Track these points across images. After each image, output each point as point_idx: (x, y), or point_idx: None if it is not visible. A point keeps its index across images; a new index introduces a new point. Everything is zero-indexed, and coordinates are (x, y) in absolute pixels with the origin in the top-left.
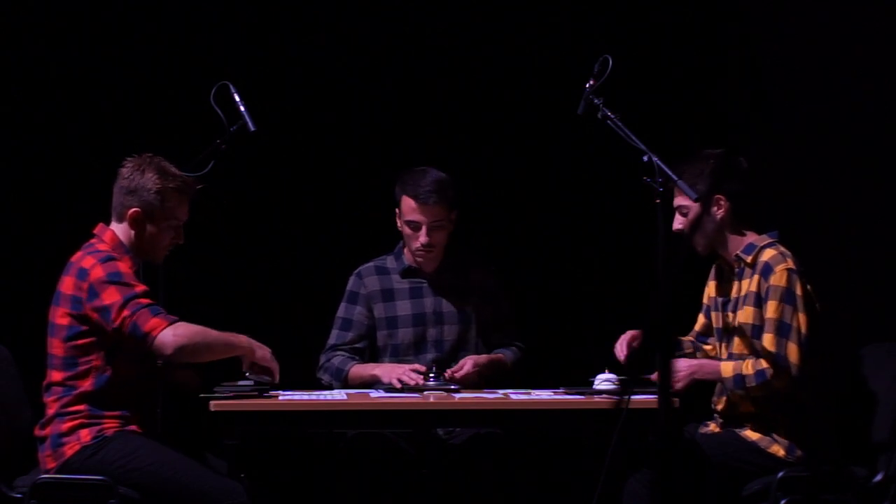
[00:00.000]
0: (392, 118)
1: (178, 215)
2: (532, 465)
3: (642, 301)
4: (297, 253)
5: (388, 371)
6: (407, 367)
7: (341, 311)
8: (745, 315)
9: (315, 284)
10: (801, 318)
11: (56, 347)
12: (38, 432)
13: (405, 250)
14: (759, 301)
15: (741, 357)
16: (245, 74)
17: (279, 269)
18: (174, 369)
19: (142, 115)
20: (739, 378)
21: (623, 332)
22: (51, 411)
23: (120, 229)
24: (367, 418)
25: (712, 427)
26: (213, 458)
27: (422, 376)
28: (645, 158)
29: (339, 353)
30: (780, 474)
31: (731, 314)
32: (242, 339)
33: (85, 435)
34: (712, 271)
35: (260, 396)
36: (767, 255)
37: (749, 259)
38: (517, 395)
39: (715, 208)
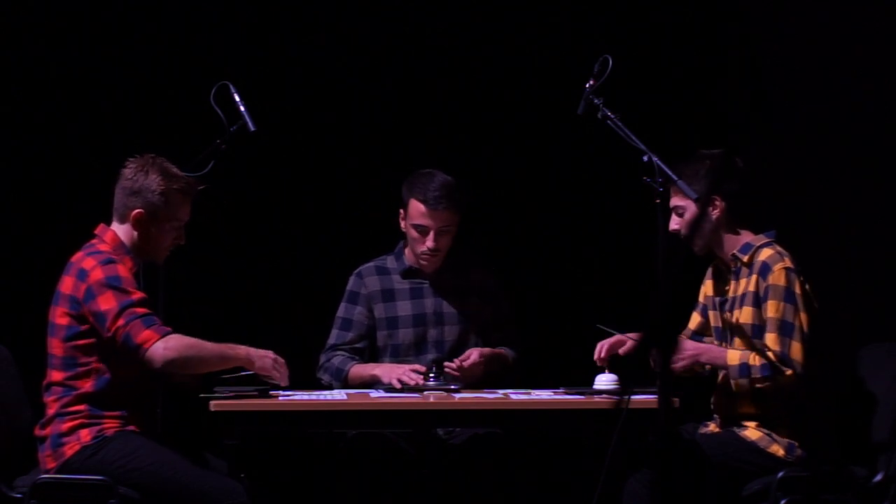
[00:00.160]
0: (392, 118)
1: (181, 216)
2: (532, 465)
3: (642, 301)
4: (297, 253)
5: (388, 371)
6: (407, 367)
7: (341, 310)
8: (744, 315)
9: (315, 284)
10: (803, 316)
11: (56, 347)
12: (38, 432)
13: (406, 251)
14: (758, 301)
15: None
16: (245, 74)
17: (279, 269)
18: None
19: (142, 115)
20: (745, 367)
21: (623, 332)
22: (51, 411)
23: (122, 230)
24: (367, 418)
25: (712, 427)
26: (213, 458)
27: (422, 376)
28: (645, 158)
29: (339, 352)
30: (780, 474)
31: (728, 313)
32: (240, 351)
33: (85, 435)
34: (709, 270)
35: (260, 397)
36: (765, 254)
37: (746, 258)
38: (517, 395)
39: (710, 208)
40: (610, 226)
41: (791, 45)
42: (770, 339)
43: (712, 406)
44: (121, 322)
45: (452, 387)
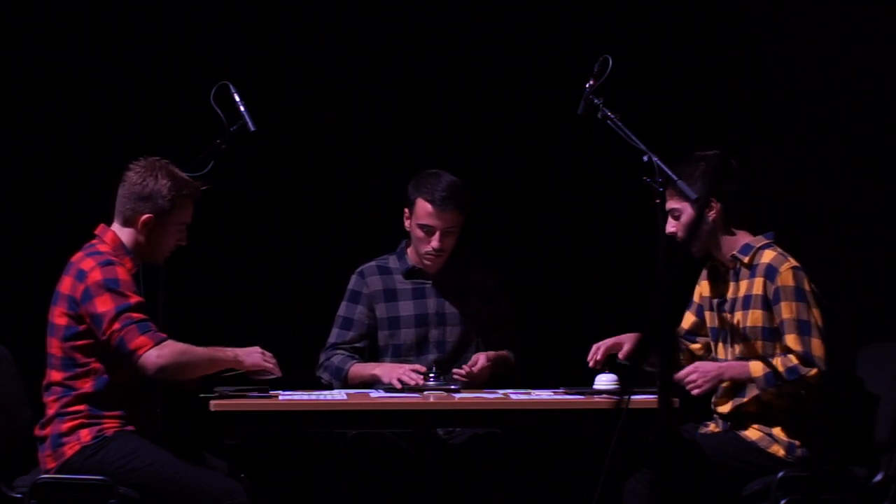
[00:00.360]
0: (392, 118)
1: (186, 219)
2: (532, 465)
3: (642, 301)
4: (297, 253)
5: (388, 371)
6: (407, 367)
7: (342, 309)
8: (752, 318)
9: (315, 284)
10: (816, 312)
11: (55, 347)
12: (38, 432)
13: (409, 250)
14: (767, 304)
15: (746, 359)
16: (245, 74)
17: (279, 269)
18: None
19: (142, 115)
20: (772, 376)
21: (623, 332)
22: (51, 411)
23: (124, 231)
24: (367, 418)
25: (712, 427)
26: (213, 458)
27: (422, 376)
28: (645, 158)
29: (339, 351)
30: (780, 474)
31: (728, 314)
32: (228, 353)
33: (85, 435)
34: (704, 271)
35: (261, 395)
36: (768, 256)
37: (746, 260)
38: (517, 395)
39: (707, 210)
40: (610, 226)
41: (791, 45)
42: (790, 340)
43: (712, 406)
44: (116, 326)
45: (452, 387)
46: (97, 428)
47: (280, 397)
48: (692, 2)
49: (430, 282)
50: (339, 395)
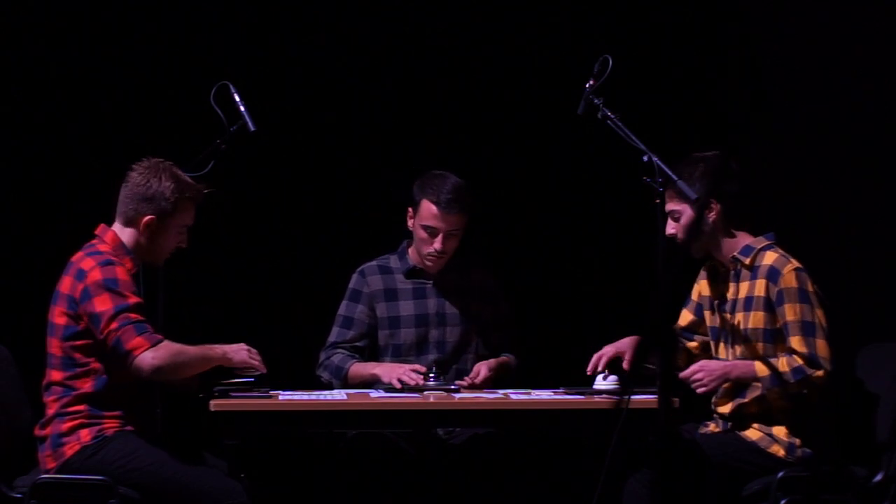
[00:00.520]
0: (392, 118)
1: (187, 221)
2: (532, 465)
3: (642, 301)
4: (297, 253)
5: (388, 371)
6: (407, 366)
7: (343, 308)
8: (754, 320)
9: (315, 284)
10: (819, 313)
11: (54, 347)
12: (38, 432)
13: (410, 250)
14: (770, 305)
15: (747, 360)
16: (245, 74)
17: (279, 268)
18: None
19: (142, 115)
20: (777, 376)
21: (623, 332)
22: (51, 411)
23: (125, 231)
24: (367, 418)
25: (712, 427)
26: (213, 458)
27: (422, 376)
28: (645, 158)
29: (339, 350)
30: (780, 474)
31: (729, 315)
32: (217, 350)
33: (85, 435)
34: (703, 270)
35: (261, 395)
36: (770, 258)
37: (747, 261)
38: (517, 395)
39: (707, 212)
40: (610, 226)
41: (791, 45)
42: (795, 341)
43: (713, 406)
44: (114, 326)
45: (452, 387)
46: (97, 428)
47: (280, 397)
48: (692, 2)
49: (430, 282)
50: (339, 395)
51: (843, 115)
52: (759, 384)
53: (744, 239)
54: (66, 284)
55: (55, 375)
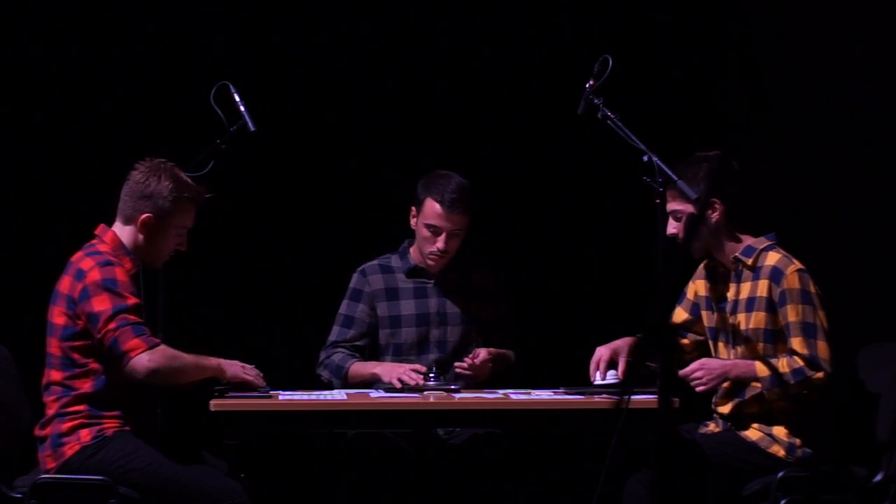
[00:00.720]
0: (392, 118)
1: (186, 223)
2: (532, 465)
3: (642, 301)
4: (297, 252)
5: (388, 370)
6: (407, 366)
7: (343, 307)
8: (755, 320)
9: (315, 284)
10: (821, 314)
11: (54, 347)
12: (37, 432)
13: (411, 249)
14: (772, 306)
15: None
16: (245, 74)
17: (279, 268)
18: None
19: (142, 115)
20: (777, 377)
21: (623, 332)
22: (50, 411)
23: (124, 231)
24: (367, 418)
25: (712, 427)
26: (213, 458)
27: (422, 376)
28: (645, 158)
29: (339, 350)
30: (780, 474)
31: (730, 316)
32: (212, 362)
33: (85, 435)
34: (701, 269)
35: (261, 395)
36: (772, 259)
37: (750, 261)
38: (517, 395)
39: (710, 212)
40: (610, 226)
41: (791, 45)
42: (796, 343)
43: (713, 406)
44: (112, 326)
45: (452, 387)
46: (97, 428)
47: (280, 397)
48: (692, 2)
49: (431, 281)
50: (339, 395)
51: (843, 115)
52: (759, 384)
53: (745, 239)
54: (65, 284)
55: (55, 375)
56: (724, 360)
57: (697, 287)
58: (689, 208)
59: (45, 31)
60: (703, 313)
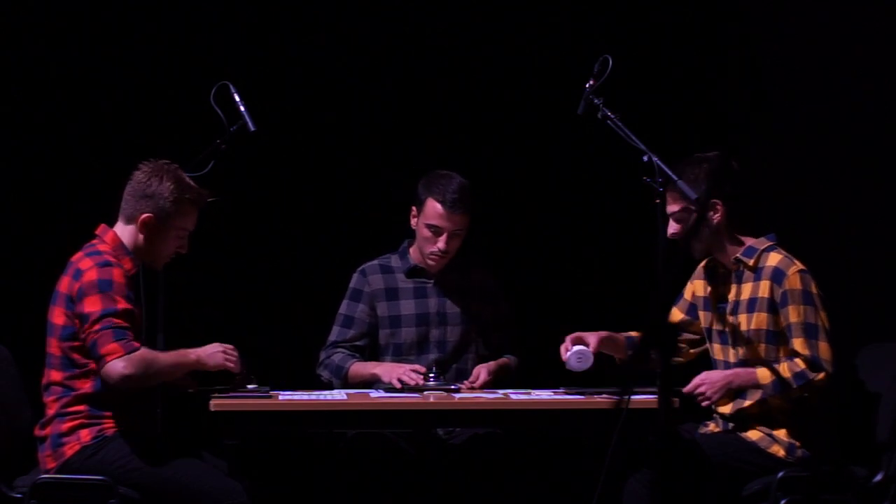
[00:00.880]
0: (392, 118)
1: (187, 225)
2: (532, 465)
3: (642, 301)
4: (297, 252)
5: (388, 370)
6: (407, 366)
7: (343, 307)
8: (757, 321)
9: (315, 284)
10: (823, 315)
11: (54, 347)
12: (37, 432)
13: (411, 249)
14: (773, 307)
15: (749, 362)
16: (245, 74)
17: (279, 268)
18: None
19: (142, 115)
20: (779, 383)
21: (622, 332)
22: (50, 411)
23: (125, 231)
24: (367, 418)
25: (712, 427)
26: (213, 458)
27: (422, 376)
28: (645, 158)
29: (339, 350)
30: (780, 474)
31: (731, 317)
32: (191, 356)
33: (85, 435)
34: (700, 270)
35: (261, 395)
36: (774, 259)
37: (751, 262)
38: (517, 395)
39: (711, 213)
40: (610, 226)
41: (791, 45)
42: (798, 343)
43: (713, 407)
44: (96, 327)
45: (452, 387)
46: (97, 428)
47: (280, 397)
48: (692, 2)
49: (431, 281)
50: (339, 395)
51: (843, 115)
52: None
53: (747, 240)
54: (64, 284)
55: (55, 375)
56: (724, 370)
57: (695, 287)
58: (689, 208)
59: (45, 31)
60: (701, 314)
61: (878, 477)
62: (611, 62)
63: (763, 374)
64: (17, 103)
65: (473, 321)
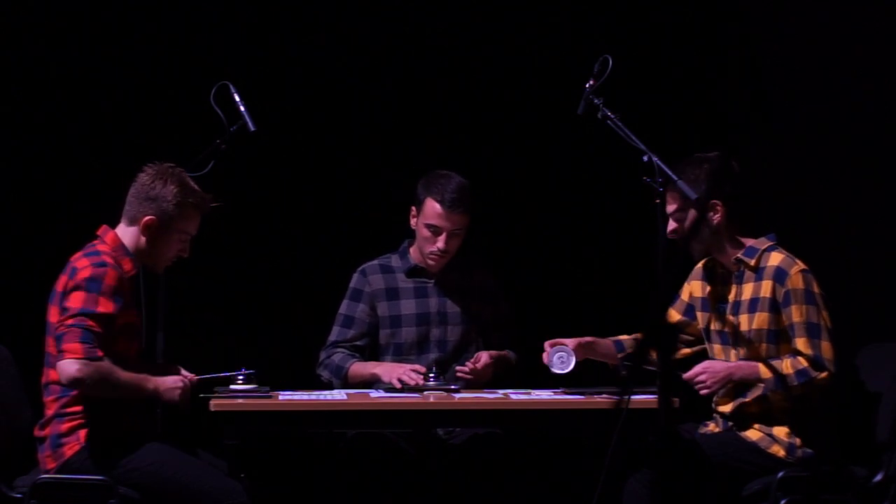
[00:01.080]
0: (392, 118)
1: (190, 229)
2: (532, 465)
3: (642, 301)
4: (297, 252)
5: (388, 370)
6: (407, 366)
7: (343, 307)
8: (758, 321)
9: (315, 284)
10: (825, 315)
11: (51, 346)
12: (37, 433)
13: (411, 249)
14: (775, 306)
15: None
16: (245, 74)
17: (279, 268)
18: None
19: (142, 115)
20: (780, 378)
21: (623, 332)
22: (50, 412)
23: (127, 232)
24: (367, 418)
25: (712, 427)
26: (213, 458)
27: (422, 376)
28: (645, 158)
29: (339, 350)
30: (780, 474)
31: (731, 317)
32: (149, 385)
33: (84, 435)
34: (699, 270)
35: (262, 395)
36: (776, 259)
37: (752, 263)
38: (517, 395)
39: (711, 213)
40: (610, 226)
41: (791, 45)
42: (800, 343)
43: (713, 406)
44: (69, 322)
45: (452, 387)
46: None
47: (280, 397)
48: (692, 2)
49: (432, 281)
50: (339, 395)
51: (843, 115)
52: (762, 385)
53: (747, 241)
54: (61, 283)
55: (53, 375)
56: (727, 362)
57: (693, 288)
58: (690, 210)
59: (45, 31)
60: (699, 314)
61: (878, 477)
62: (611, 62)
63: (765, 369)
64: (17, 103)
65: (474, 321)
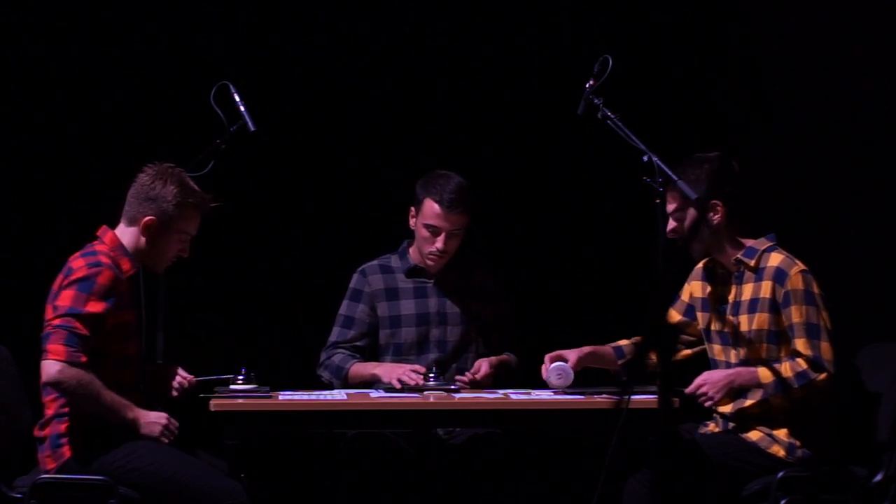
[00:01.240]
0: (392, 118)
1: (189, 229)
2: (532, 465)
3: (642, 301)
4: (297, 252)
5: (388, 371)
6: (407, 367)
7: (343, 308)
8: (758, 321)
9: (315, 284)
10: (825, 315)
11: None
12: (37, 433)
13: (411, 249)
14: (775, 307)
15: (750, 362)
16: (245, 74)
17: (279, 268)
18: (166, 374)
19: (142, 115)
20: (780, 382)
21: (623, 332)
22: (49, 412)
23: (127, 232)
24: (367, 418)
25: (712, 427)
26: (213, 458)
27: (422, 376)
28: (645, 158)
29: (339, 350)
30: (780, 474)
31: (731, 317)
32: (129, 413)
33: (84, 435)
34: (699, 271)
35: (262, 395)
36: (776, 259)
37: (752, 263)
38: (517, 395)
39: (711, 214)
40: (610, 226)
41: (791, 45)
42: (800, 344)
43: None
44: (55, 321)
45: (452, 387)
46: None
47: (280, 397)
48: (692, 2)
49: (431, 281)
50: (339, 395)
51: (843, 115)
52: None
53: (747, 241)
54: (57, 282)
55: None
56: (726, 370)
57: (693, 289)
58: (690, 210)
59: (45, 31)
60: (699, 315)
61: (878, 477)
62: (611, 62)
63: (764, 373)
64: (17, 103)
65: (473, 321)
